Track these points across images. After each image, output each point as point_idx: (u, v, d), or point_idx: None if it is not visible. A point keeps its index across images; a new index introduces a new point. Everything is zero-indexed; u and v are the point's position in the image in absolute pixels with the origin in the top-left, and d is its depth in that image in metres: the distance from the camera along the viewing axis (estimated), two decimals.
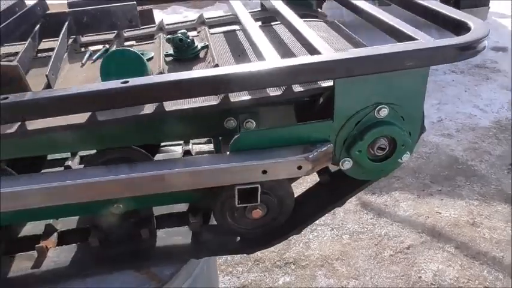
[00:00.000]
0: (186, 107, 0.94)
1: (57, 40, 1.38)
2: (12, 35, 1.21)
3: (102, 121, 0.90)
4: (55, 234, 1.23)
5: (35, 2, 1.29)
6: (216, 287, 1.65)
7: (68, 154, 1.34)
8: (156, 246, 1.20)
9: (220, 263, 2.46)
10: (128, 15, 1.39)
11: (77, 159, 1.35)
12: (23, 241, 1.23)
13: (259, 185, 0.98)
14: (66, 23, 1.31)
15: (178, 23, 1.51)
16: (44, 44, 1.37)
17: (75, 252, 1.19)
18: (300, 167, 0.96)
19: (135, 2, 1.40)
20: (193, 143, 1.45)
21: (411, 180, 3.11)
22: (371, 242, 2.61)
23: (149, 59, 1.20)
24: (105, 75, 0.99)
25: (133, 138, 1.01)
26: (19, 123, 0.90)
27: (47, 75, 1.04)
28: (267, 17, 1.47)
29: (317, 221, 1.22)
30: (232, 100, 0.95)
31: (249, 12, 1.31)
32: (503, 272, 2.41)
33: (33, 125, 0.91)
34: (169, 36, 1.20)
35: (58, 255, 1.18)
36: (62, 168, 1.29)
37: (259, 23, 1.41)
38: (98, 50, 1.31)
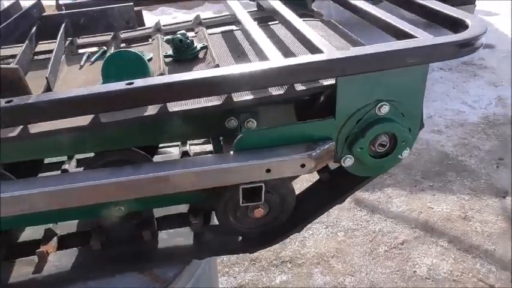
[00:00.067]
0: (189, 108, 0.94)
1: (53, 42, 1.38)
2: (10, 37, 1.20)
3: (107, 123, 0.90)
4: (55, 238, 1.22)
5: (31, 4, 1.28)
6: (217, 286, 1.66)
7: (65, 157, 1.33)
8: (158, 248, 1.20)
9: (217, 264, 2.46)
10: (125, 16, 1.38)
11: (73, 162, 1.34)
12: (23, 246, 1.22)
13: (263, 184, 0.99)
14: (63, 25, 1.30)
15: (175, 24, 1.50)
16: (40, 46, 1.36)
17: (77, 256, 1.19)
18: (303, 165, 0.97)
19: (132, 3, 1.39)
20: (190, 144, 1.45)
21: (403, 177, 3.15)
22: (366, 238, 2.64)
23: (148, 60, 1.20)
24: (107, 76, 0.99)
25: (137, 139, 1.01)
26: (21, 126, 0.89)
27: (47, 78, 1.03)
28: (263, 17, 1.47)
29: None
30: (235, 100, 0.95)
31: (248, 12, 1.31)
32: (496, 264, 2.46)
33: (34, 128, 0.90)
34: (168, 37, 1.20)
35: (59, 260, 1.18)
36: (59, 171, 1.29)
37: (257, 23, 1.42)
38: (96, 52, 1.30)
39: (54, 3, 1.34)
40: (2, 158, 0.94)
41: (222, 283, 2.34)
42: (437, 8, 1.10)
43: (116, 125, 0.92)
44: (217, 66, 1.11)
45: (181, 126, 1.02)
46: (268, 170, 0.95)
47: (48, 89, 1.04)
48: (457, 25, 1.03)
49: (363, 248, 2.56)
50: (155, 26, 1.47)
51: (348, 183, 1.17)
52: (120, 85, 0.81)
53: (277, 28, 1.36)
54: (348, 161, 1.04)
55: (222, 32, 1.39)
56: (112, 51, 1.05)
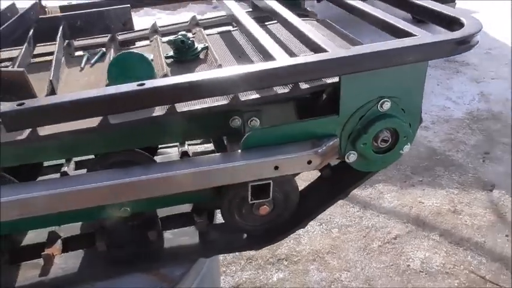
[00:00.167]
0: (198, 107, 0.95)
1: (50, 44, 1.38)
2: (8, 40, 1.19)
3: (116, 124, 0.91)
4: (59, 241, 1.22)
5: (28, 6, 1.28)
6: (218, 286, 1.67)
7: (63, 160, 1.33)
8: (164, 248, 1.21)
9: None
10: (122, 18, 1.39)
11: (72, 164, 1.34)
12: (27, 249, 1.21)
13: (271, 181, 1.01)
14: (61, 27, 1.30)
15: (171, 25, 1.51)
16: (37, 49, 1.35)
17: (83, 258, 1.19)
18: (309, 162, 0.99)
19: (129, 5, 1.39)
20: (189, 144, 1.45)
21: (393, 173, 3.20)
22: (359, 234, 2.68)
23: None
24: (113, 78, 0.99)
25: (144, 139, 1.02)
26: (30, 129, 0.89)
27: (51, 80, 1.03)
28: (260, 17, 1.49)
29: None
30: (242, 99, 0.97)
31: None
32: (486, 256, 2.52)
33: (43, 130, 0.91)
34: (170, 38, 1.21)
35: (66, 262, 1.18)
36: (58, 174, 1.29)
37: None
38: (95, 54, 1.30)
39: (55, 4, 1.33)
40: (11, 160, 0.94)
41: (220, 282, 2.35)
42: (432, 7, 1.13)
43: (124, 126, 0.92)
44: (220, 66, 1.12)
45: (188, 126, 1.04)
46: (276, 167, 0.97)
47: (52, 91, 1.04)
48: (453, 23, 1.06)
49: (357, 243, 2.60)
50: (152, 28, 1.47)
51: (350, 179, 1.19)
52: (132, 86, 0.81)
53: (275, 28, 1.37)
54: (352, 157, 1.06)
55: (219, 33, 1.40)
56: (117, 53, 1.05)
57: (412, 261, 2.48)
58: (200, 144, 1.54)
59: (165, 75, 1.08)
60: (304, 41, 1.10)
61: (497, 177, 3.19)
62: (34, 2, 1.31)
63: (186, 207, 1.29)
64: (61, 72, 1.19)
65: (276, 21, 1.40)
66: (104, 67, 1.22)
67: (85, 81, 1.15)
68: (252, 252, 2.53)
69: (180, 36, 1.18)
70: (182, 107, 0.96)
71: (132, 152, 1.09)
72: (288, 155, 0.97)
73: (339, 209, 2.85)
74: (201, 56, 1.22)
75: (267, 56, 1.05)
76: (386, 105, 1.02)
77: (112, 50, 1.28)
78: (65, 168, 1.28)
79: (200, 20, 1.50)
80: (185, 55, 1.20)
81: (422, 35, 1.00)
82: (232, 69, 0.85)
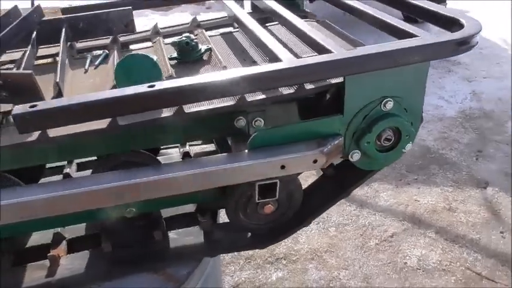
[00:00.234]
0: (205, 108, 0.96)
1: (52, 46, 1.38)
2: (11, 42, 1.19)
3: (124, 125, 0.92)
4: (64, 242, 1.22)
5: (31, 8, 1.28)
6: (221, 285, 1.68)
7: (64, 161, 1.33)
8: (170, 248, 1.22)
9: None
10: (124, 20, 1.39)
11: (74, 166, 1.34)
12: (31, 251, 1.22)
13: (278, 180, 1.02)
14: (64, 30, 1.30)
15: (172, 26, 1.52)
16: (39, 51, 1.35)
17: (89, 258, 1.20)
18: (315, 161, 1.01)
19: (130, 7, 1.40)
20: (190, 145, 1.47)
21: (388, 171, 3.23)
22: (356, 232, 2.70)
23: None
24: (120, 80, 1.00)
25: (151, 140, 1.03)
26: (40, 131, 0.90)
27: (57, 83, 1.04)
28: (260, 18, 1.50)
29: None
30: (248, 100, 0.98)
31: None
32: (481, 253, 2.56)
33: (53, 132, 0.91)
34: (174, 39, 1.22)
35: (72, 263, 1.18)
36: (61, 176, 1.29)
37: None
38: (98, 56, 1.30)
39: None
40: (21, 162, 0.95)
41: (222, 282, 2.36)
42: (432, 8, 1.16)
43: (132, 127, 0.93)
44: (225, 68, 1.13)
45: (195, 127, 1.05)
46: (282, 167, 0.98)
47: (59, 93, 1.05)
48: (452, 24, 1.09)
49: (354, 242, 2.63)
50: (153, 29, 1.48)
51: (353, 177, 1.21)
52: (143, 88, 0.83)
53: (276, 29, 1.39)
54: (356, 156, 1.08)
55: (221, 34, 1.42)
56: (122, 55, 1.06)
57: (409, 258, 2.51)
58: (200, 144, 1.56)
59: (171, 77, 1.09)
60: (308, 42, 1.11)
61: (490, 175, 3.24)
62: (37, 4, 1.31)
63: (189, 208, 1.31)
64: (65, 74, 1.20)
65: (276, 23, 1.41)
66: (108, 69, 1.23)
67: (90, 83, 1.16)
68: (251, 252, 2.55)
69: (184, 38, 1.19)
70: (189, 108, 0.97)
71: (138, 153, 1.11)
72: (294, 154, 0.98)
73: (335, 208, 2.87)
74: (205, 57, 1.24)
75: (271, 57, 1.07)
76: (389, 105, 1.04)
77: (115, 52, 1.29)
78: (67, 170, 1.29)
79: (201, 21, 1.51)
80: (189, 56, 1.21)
81: (424, 36, 1.02)
82: (243, 71, 0.86)
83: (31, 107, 0.79)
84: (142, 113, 0.94)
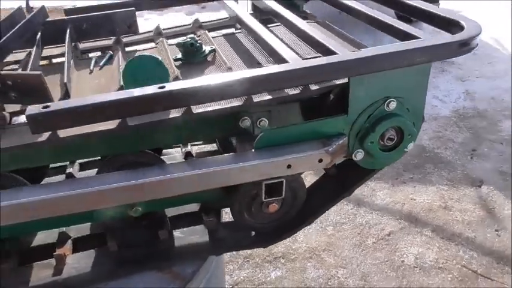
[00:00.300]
0: (213, 109, 0.98)
1: (55, 47, 1.39)
2: (18, 43, 1.20)
3: (133, 126, 0.93)
4: (69, 241, 1.23)
5: (36, 9, 1.28)
6: (224, 284, 1.70)
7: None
8: (175, 246, 1.23)
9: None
10: (127, 21, 1.40)
11: (76, 166, 1.35)
12: (37, 250, 1.23)
13: (284, 179, 1.04)
14: (68, 30, 1.31)
15: (174, 27, 1.53)
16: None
17: (95, 257, 1.21)
18: (320, 160, 1.03)
19: (133, 8, 1.41)
20: (191, 145, 1.48)
21: (385, 170, 3.24)
22: (354, 231, 2.73)
23: None
24: (128, 81, 1.01)
25: (159, 140, 1.04)
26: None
27: (65, 83, 1.05)
28: (262, 19, 1.52)
29: None
30: (255, 100, 1.00)
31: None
32: (477, 250, 2.59)
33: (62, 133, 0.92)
34: (179, 40, 1.23)
35: (78, 262, 1.19)
36: (64, 175, 1.30)
37: None
38: (102, 56, 1.31)
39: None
40: (30, 162, 0.96)
41: (225, 281, 2.38)
42: (433, 10, 1.18)
43: (141, 128, 0.95)
44: (230, 69, 1.15)
45: (201, 127, 1.06)
46: (289, 166, 1.00)
47: (66, 94, 1.06)
48: (453, 26, 1.11)
49: (352, 240, 2.65)
50: (156, 30, 1.49)
51: (355, 176, 1.23)
52: (154, 88, 0.84)
53: (277, 30, 1.41)
54: (359, 155, 1.10)
55: (224, 35, 1.43)
56: (128, 56, 1.07)
57: (406, 257, 2.54)
58: (201, 144, 1.57)
59: (177, 78, 1.10)
60: (312, 43, 1.13)
61: (484, 174, 3.28)
62: (41, 5, 1.32)
63: (192, 207, 1.32)
64: (71, 75, 1.20)
65: (278, 24, 1.43)
66: (112, 70, 1.24)
67: (96, 84, 1.17)
68: (249, 251, 2.56)
69: (189, 39, 1.21)
70: (196, 108, 0.98)
71: (144, 153, 1.12)
72: (300, 154, 1.00)
73: (333, 207, 2.89)
74: (209, 58, 1.25)
75: (277, 58, 1.09)
76: (393, 105, 1.06)
77: (120, 53, 1.30)
78: (69, 170, 1.30)
79: (203, 22, 1.53)
80: (194, 58, 1.23)
81: (426, 38, 1.04)
82: (252, 72, 0.88)
83: (44, 107, 0.80)
84: (150, 114, 0.96)
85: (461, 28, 1.08)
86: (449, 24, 1.12)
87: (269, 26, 1.45)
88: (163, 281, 1.17)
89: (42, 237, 1.25)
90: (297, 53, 1.22)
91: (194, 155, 1.41)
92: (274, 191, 1.07)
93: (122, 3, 1.47)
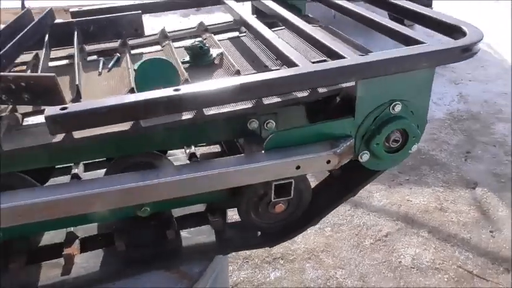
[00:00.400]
0: (224, 111, 1.00)
1: (61, 49, 1.40)
2: (27, 44, 1.21)
3: (147, 127, 0.95)
4: (77, 241, 1.24)
5: (44, 12, 1.30)
6: (227, 284, 1.71)
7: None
8: (182, 246, 1.25)
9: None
10: (134, 24, 1.42)
11: (81, 167, 1.36)
12: (45, 250, 1.24)
13: (293, 180, 1.06)
14: (76, 33, 1.32)
15: (180, 30, 1.54)
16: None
17: (103, 257, 1.22)
18: (328, 161, 1.05)
19: (140, 11, 1.43)
20: (195, 146, 1.50)
21: None
22: (352, 232, 2.76)
23: None
24: (141, 83, 1.03)
25: (169, 142, 1.06)
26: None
27: (77, 85, 1.06)
28: (266, 23, 1.54)
29: None
30: (265, 102, 1.02)
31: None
32: (472, 251, 2.64)
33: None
34: (186, 43, 1.25)
35: (87, 261, 1.20)
36: (69, 176, 1.31)
37: None
38: (110, 59, 1.33)
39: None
40: (42, 162, 0.97)
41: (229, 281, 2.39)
42: (435, 16, 1.21)
43: (154, 129, 0.96)
44: (238, 71, 1.17)
45: (211, 129, 1.08)
46: (298, 167, 1.03)
47: (78, 95, 1.07)
48: (455, 32, 1.14)
49: (349, 241, 2.68)
50: (161, 33, 1.50)
51: (360, 177, 1.26)
52: (169, 91, 0.86)
53: (281, 33, 1.43)
54: (365, 156, 1.13)
55: (229, 38, 1.45)
56: (142, 59, 1.09)
57: (403, 257, 2.57)
58: (204, 146, 1.59)
59: (186, 81, 1.12)
60: (319, 47, 1.16)
61: (478, 176, 3.33)
62: (49, 8, 1.33)
63: (199, 207, 1.34)
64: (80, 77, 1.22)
65: (282, 27, 1.46)
66: (121, 72, 1.26)
67: (105, 86, 1.18)
68: (248, 252, 2.58)
69: (197, 42, 1.22)
70: (208, 110, 1.00)
71: (153, 154, 1.14)
72: (309, 155, 1.03)
73: None
74: (216, 61, 1.27)
75: (284, 61, 1.11)
76: (398, 108, 1.09)
77: (127, 55, 1.31)
78: (75, 170, 1.31)
79: (208, 25, 1.54)
80: (201, 61, 1.25)
81: (431, 43, 1.07)
82: (266, 75, 0.90)
83: (62, 109, 0.81)
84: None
85: (464, 34, 1.11)
86: (452, 30, 1.16)
87: (273, 29, 1.48)
88: (170, 280, 1.18)
89: (50, 237, 1.26)
90: (306, 57, 1.24)
91: (198, 156, 1.43)
92: (283, 191, 1.09)
93: (128, 6, 1.49)
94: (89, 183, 0.98)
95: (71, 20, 1.38)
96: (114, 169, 1.12)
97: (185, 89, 0.87)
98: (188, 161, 1.39)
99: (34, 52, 1.33)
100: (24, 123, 1.05)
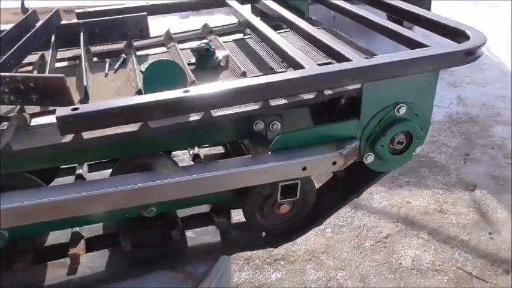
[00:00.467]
0: (231, 112, 1.01)
1: (66, 50, 1.41)
2: (34, 45, 1.22)
3: (155, 128, 0.95)
4: (82, 241, 1.25)
5: (51, 13, 1.30)
6: (230, 285, 1.72)
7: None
8: (188, 246, 1.26)
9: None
10: (139, 25, 1.43)
11: (85, 167, 1.37)
12: (50, 250, 1.25)
13: (299, 181, 1.07)
14: (82, 34, 1.33)
15: (184, 32, 1.55)
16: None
17: (109, 257, 1.23)
18: (334, 163, 1.07)
19: (145, 13, 1.44)
20: (199, 147, 1.51)
21: None
22: (352, 234, 2.77)
23: None
24: (148, 85, 1.04)
25: (177, 143, 1.07)
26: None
27: (85, 86, 1.07)
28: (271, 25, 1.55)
29: None
30: (272, 104, 1.03)
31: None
32: (471, 253, 2.65)
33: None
34: (192, 45, 1.26)
35: (93, 261, 1.21)
36: (74, 176, 1.32)
37: None
38: (116, 60, 1.33)
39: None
40: (50, 162, 0.98)
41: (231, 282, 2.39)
42: (439, 20, 1.22)
43: (162, 130, 0.97)
44: (244, 73, 1.18)
45: (218, 130, 1.09)
46: (304, 168, 1.04)
47: (86, 96, 1.08)
48: (458, 35, 1.15)
49: (350, 243, 2.69)
50: (166, 35, 1.51)
51: (364, 179, 1.27)
52: (178, 93, 0.87)
53: (286, 36, 1.44)
54: (370, 158, 1.14)
55: (234, 40, 1.46)
56: (150, 61, 1.10)
57: (403, 259, 2.58)
58: (207, 147, 1.60)
59: (193, 82, 1.13)
60: (324, 50, 1.17)
61: (477, 178, 3.34)
62: (55, 9, 1.34)
63: (204, 208, 1.35)
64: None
65: (287, 30, 1.47)
66: (127, 73, 1.26)
67: (112, 87, 1.19)
68: (249, 253, 2.59)
69: (203, 44, 1.23)
70: (215, 112, 1.01)
71: (159, 155, 1.15)
72: (315, 156, 1.04)
73: None
74: (222, 63, 1.28)
75: (290, 63, 1.12)
76: (402, 110, 1.10)
77: (133, 57, 1.32)
78: (79, 171, 1.32)
79: (213, 27, 1.55)
80: (207, 62, 1.26)
81: (435, 46, 1.09)
82: (274, 77, 0.91)
83: (73, 109, 0.82)
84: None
85: (467, 37, 1.12)
86: (455, 33, 1.17)
87: (278, 31, 1.49)
88: (176, 280, 1.19)
89: (55, 237, 1.27)
90: (312, 59, 1.25)
91: (202, 157, 1.44)
92: (289, 192, 1.10)
93: (133, 7, 1.50)
94: (96, 184, 0.99)
95: (77, 21, 1.38)
96: (119, 170, 1.13)
97: (194, 90, 0.88)
98: (192, 162, 1.40)
99: (39, 53, 1.34)
100: (32, 124, 1.06)
